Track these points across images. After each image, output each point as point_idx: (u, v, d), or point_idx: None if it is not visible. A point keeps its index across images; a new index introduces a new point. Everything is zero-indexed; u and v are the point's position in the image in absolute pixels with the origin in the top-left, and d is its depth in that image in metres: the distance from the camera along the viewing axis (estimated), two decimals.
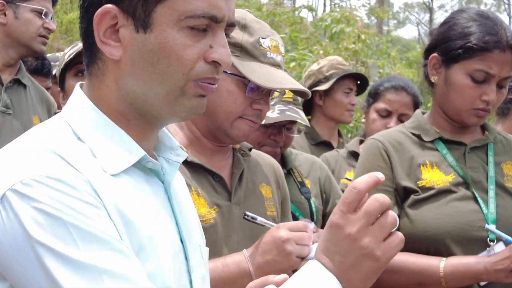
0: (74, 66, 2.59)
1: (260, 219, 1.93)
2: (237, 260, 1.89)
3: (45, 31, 3.24)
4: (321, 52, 8.44)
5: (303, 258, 1.84)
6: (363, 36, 9.04)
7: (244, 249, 1.92)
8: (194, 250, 1.34)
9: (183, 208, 1.36)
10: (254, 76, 1.93)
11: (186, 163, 1.98)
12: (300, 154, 3.18)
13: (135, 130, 1.27)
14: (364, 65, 9.32)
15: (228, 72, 1.96)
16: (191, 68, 1.22)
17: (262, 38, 2.00)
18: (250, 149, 2.18)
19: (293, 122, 2.96)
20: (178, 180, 1.44)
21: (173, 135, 2.02)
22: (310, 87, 3.86)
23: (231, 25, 1.28)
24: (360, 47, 9.03)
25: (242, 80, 1.96)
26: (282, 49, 2.05)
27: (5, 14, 3.22)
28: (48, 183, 1.09)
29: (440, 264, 2.14)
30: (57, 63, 2.81)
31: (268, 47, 2.00)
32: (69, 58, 2.57)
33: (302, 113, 3.03)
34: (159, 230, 1.22)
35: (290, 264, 1.84)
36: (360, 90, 4.06)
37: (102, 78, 1.26)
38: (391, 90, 3.54)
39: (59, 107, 3.43)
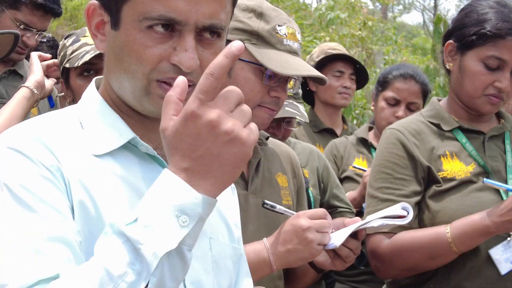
0: (80, 65, 2.56)
1: (279, 207, 1.93)
2: (257, 249, 1.89)
3: (22, 43, 3.18)
4: (327, 39, 8.41)
5: (324, 246, 1.84)
6: (370, 23, 9.00)
7: (265, 238, 1.92)
8: (198, 240, 1.31)
9: None
10: (271, 63, 1.92)
11: None
12: (298, 143, 3.18)
13: (136, 123, 1.32)
14: (369, 51, 9.30)
15: (245, 60, 1.96)
16: (152, 68, 1.24)
17: (279, 25, 2.00)
18: (267, 138, 2.17)
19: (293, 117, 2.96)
20: None
21: None
22: None
23: (210, 29, 1.25)
24: (366, 33, 9.00)
25: (259, 68, 1.96)
26: (299, 36, 2.05)
27: None
28: (7, 153, 1.18)
29: (446, 230, 2.13)
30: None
31: (285, 34, 2.00)
32: (76, 63, 2.51)
33: (301, 108, 3.03)
34: (130, 208, 1.22)
35: (312, 252, 1.84)
36: (361, 75, 4.02)
37: (103, 71, 1.36)
38: (400, 79, 3.53)
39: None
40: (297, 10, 10.65)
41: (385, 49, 10.20)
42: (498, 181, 2.25)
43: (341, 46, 4.15)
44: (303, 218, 1.84)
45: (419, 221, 2.26)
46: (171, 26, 1.23)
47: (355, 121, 7.79)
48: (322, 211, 1.88)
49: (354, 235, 1.88)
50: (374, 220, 1.89)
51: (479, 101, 2.28)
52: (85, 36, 2.62)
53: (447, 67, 2.36)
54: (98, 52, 2.52)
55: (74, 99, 2.58)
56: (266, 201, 1.93)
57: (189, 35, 1.23)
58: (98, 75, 2.53)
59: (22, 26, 3.20)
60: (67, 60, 2.58)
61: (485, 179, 2.12)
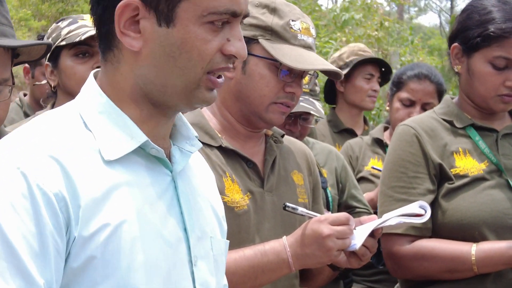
0: (76, 46, 2.50)
1: (301, 210, 1.92)
2: (277, 249, 1.89)
3: None
4: (344, 39, 8.39)
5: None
6: (386, 24, 8.96)
7: (284, 238, 1.91)
8: (202, 240, 1.34)
9: (197, 199, 1.37)
10: (285, 58, 1.92)
11: (220, 149, 1.99)
12: (317, 143, 3.17)
13: (146, 117, 1.29)
14: (385, 52, 9.26)
15: (259, 55, 1.96)
16: (209, 61, 1.25)
17: (292, 20, 1.99)
18: (282, 136, 2.17)
19: (309, 113, 2.95)
20: (199, 170, 1.45)
21: (208, 121, 2.02)
22: None
23: (245, 16, 1.31)
24: (382, 34, 8.97)
25: (274, 63, 1.95)
26: (313, 31, 2.04)
27: None
28: (14, 178, 1.13)
29: (472, 250, 2.13)
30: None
31: (299, 29, 1.99)
32: (78, 38, 2.45)
33: (318, 104, 3.02)
34: (149, 220, 1.23)
35: (330, 258, 1.85)
36: (383, 78, 4.03)
37: (118, 65, 1.28)
38: (414, 79, 3.49)
39: (39, 80, 3.33)
40: (311, 11, 10.62)
41: (402, 50, 10.15)
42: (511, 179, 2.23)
43: (367, 48, 4.17)
44: (325, 225, 1.83)
45: (432, 220, 2.25)
46: (227, 19, 1.26)
47: (371, 122, 7.77)
48: (344, 216, 1.86)
49: (370, 233, 1.87)
50: (391, 218, 1.88)
51: (492, 101, 2.28)
52: (83, 19, 2.57)
53: (455, 69, 2.36)
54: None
55: (60, 84, 2.55)
56: (288, 204, 1.92)
57: (239, 24, 1.28)
58: (93, 60, 2.50)
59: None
60: (62, 39, 2.51)
61: None
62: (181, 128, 1.39)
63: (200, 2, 1.22)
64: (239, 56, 1.27)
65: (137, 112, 1.29)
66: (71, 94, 2.45)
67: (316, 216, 1.90)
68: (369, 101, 3.90)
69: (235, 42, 1.26)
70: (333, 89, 4.02)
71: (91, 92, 1.30)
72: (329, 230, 1.82)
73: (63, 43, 2.50)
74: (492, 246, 2.13)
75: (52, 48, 2.51)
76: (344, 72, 3.85)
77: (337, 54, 4.07)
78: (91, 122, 1.25)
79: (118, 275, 1.17)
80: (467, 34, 2.27)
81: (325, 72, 2.08)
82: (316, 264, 1.89)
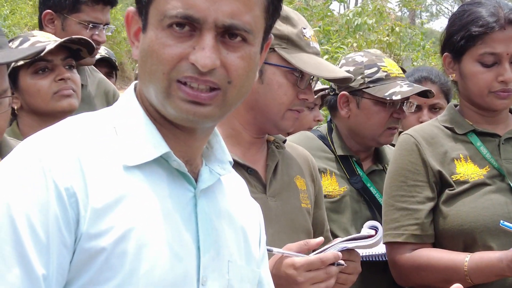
0: (34, 63, 2.42)
1: (276, 250, 1.86)
2: None
3: (94, 42, 3.17)
4: (355, 45, 8.42)
5: None
6: (397, 29, 8.98)
7: None
8: (217, 262, 1.31)
9: (220, 221, 1.35)
10: (307, 67, 1.95)
11: None
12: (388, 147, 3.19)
13: (168, 133, 1.29)
14: (397, 57, 9.28)
15: (276, 64, 1.98)
16: (172, 68, 1.22)
17: (304, 28, 2.02)
18: (284, 142, 2.18)
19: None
20: (235, 195, 1.44)
21: None
22: None
23: (231, 29, 1.23)
24: (394, 39, 8.99)
25: (290, 71, 1.98)
26: (316, 38, 2.08)
27: (54, 23, 3.21)
28: (34, 168, 1.17)
29: (464, 261, 2.13)
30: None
31: (310, 36, 2.03)
32: (46, 50, 2.33)
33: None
34: (160, 230, 1.22)
35: None
36: None
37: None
38: (416, 84, 3.49)
39: None
40: (323, 17, 10.65)
41: (414, 55, 10.16)
42: None
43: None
44: (299, 272, 1.81)
45: (434, 226, 2.26)
46: (191, 25, 1.22)
47: None
48: (318, 262, 1.82)
49: (350, 255, 1.89)
50: (335, 244, 1.88)
51: (488, 99, 2.27)
52: (33, 36, 2.51)
53: (451, 78, 2.38)
54: (58, 42, 2.40)
55: (23, 105, 2.47)
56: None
57: (208, 34, 1.21)
58: (54, 74, 2.42)
59: (90, 25, 3.20)
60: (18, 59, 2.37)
61: (502, 221, 2.09)
62: (217, 151, 1.39)
63: (159, 6, 1.23)
64: (197, 64, 1.20)
65: (157, 126, 1.30)
66: (36, 112, 2.44)
67: (291, 255, 1.85)
68: None
69: (198, 50, 1.21)
70: None
71: (127, 100, 1.33)
72: (303, 278, 1.81)
73: (21, 63, 2.41)
74: (483, 259, 2.11)
75: (9, 71, 2.39)
76: None
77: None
78: (120, 129, 1.27)
79: (119, 279, 1.17)
80: (452, 41, 2.30)
81: (336, 79, 2.14)
82: None
